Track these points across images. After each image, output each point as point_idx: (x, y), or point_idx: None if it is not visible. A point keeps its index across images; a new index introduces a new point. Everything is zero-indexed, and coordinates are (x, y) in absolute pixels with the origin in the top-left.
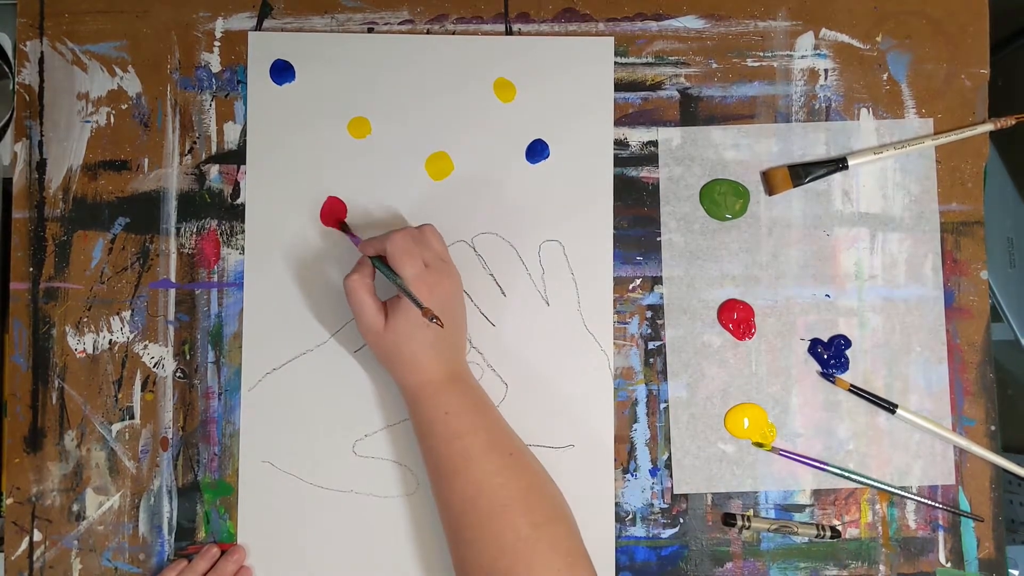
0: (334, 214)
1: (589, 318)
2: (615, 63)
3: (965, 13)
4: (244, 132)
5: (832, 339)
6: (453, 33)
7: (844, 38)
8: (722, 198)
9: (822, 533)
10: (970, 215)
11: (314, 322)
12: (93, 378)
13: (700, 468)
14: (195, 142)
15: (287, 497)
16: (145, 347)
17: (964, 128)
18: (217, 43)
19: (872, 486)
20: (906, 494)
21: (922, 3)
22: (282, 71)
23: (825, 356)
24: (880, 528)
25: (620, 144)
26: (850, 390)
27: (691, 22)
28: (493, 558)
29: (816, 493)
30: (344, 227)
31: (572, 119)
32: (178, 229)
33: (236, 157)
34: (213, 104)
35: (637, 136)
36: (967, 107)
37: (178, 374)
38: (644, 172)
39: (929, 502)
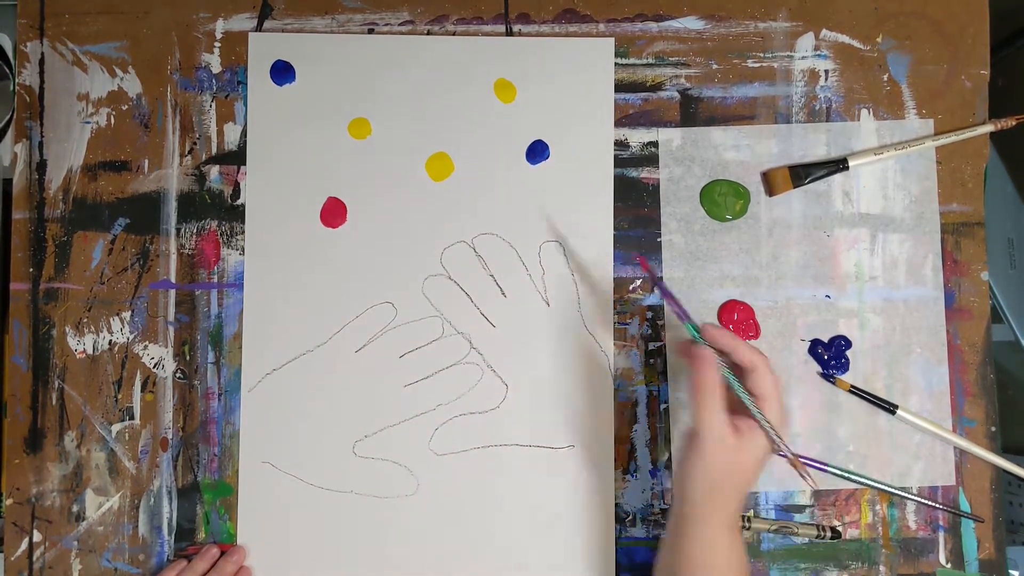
0: (336, 215)
1: (589, 319)
2: (615, 64)
3: (965, 14)
4: (244, 133)
5: (832, 340)
6: (453, 34)
7: (844, 39)
8: (722, 199)
9: (822, 534)
10: (970, 216)
11: (314, 323)
12: (93, 379)
13: None
14: (195, 143)
15: (287, 498)
16: (145, 348)
17: (964, 129)
18: (217, 44)
19: (872, 487)
20: (906, 495)
21: (922, 4)
22: (282, 72)
23: (825, 357)
24: (880, 529)
25: (620, 145)
26: (850, 391)
27: (691, 23)
28: None
29: (816, 494)
30: (662, 287)
31: (572, 120)
32: (178, 230)
33: (236, 158)
34: (213, 105)
35: (637, 137)
36: (967, 108)
37: (178, 375)
38: (644, 173)
39: (929, 503)
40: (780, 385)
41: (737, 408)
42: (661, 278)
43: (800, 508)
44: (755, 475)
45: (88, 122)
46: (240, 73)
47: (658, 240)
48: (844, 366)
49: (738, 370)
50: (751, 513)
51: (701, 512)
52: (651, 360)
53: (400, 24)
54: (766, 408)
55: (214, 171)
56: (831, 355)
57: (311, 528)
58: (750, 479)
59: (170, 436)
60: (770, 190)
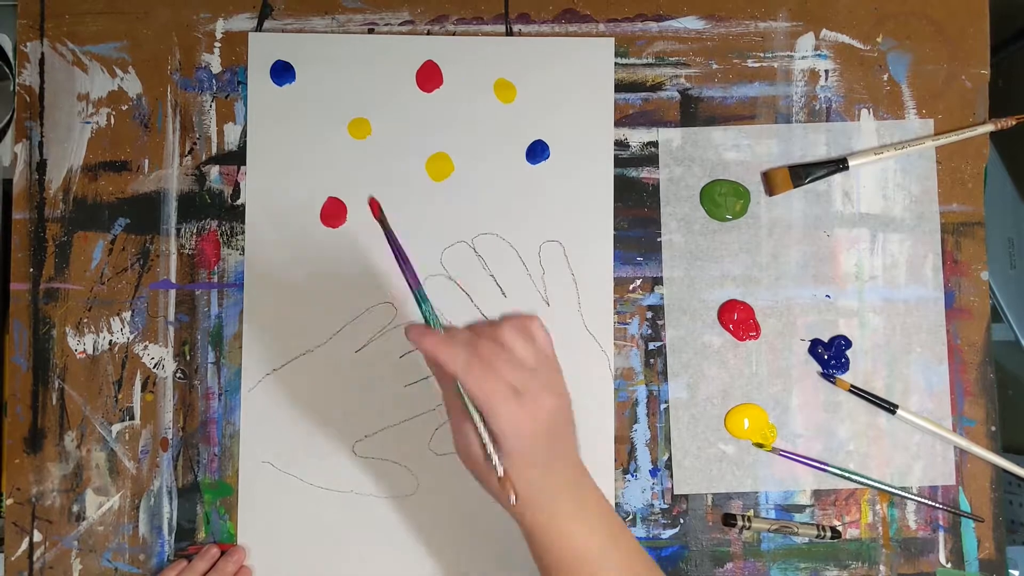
0: (335, 215)
1: (589, 319)
2: (615, 64)
3: (965, 14)
4: (244, 133)
5: (832, 340)
6: (454, 34)
7: (844, 39)
8: (722, 199)
9: (822, 533)
10: (970, 216)
11: (314, 322)
12: (93, 379)
13: (700, 469)
14: (195, 143)
15: (287, 498)
16: (145, 348)
17: (964, 129)
18: (217, 44)
19: (872, 487)
20: (906, 494)
21: (922, 4)
22: (282, 72)
23: (825, 356)
24: (880, 528)
25: (620, 145)
26: (850, 391)
27: (691, 23)
28: None
29: (816, 493)
30: (392, 239)
31: (572, 120)
32: (178, 230)
33: (236, 158)
34: (213, 105)
35: (637, 137)
36: (967, 108)
37: (178, 375)
38: (644, 173)
39: (929, 502)
40: (485, 376)
41: None
42: (385, 224)
43: (800, 508)
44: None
45: (88, 122)
46: (240, 73)
47: (658, 240)
48: (844, 366)
49: None
50: (751, 513)
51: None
52: (651, 360)
53: (400, 24)
54: (488, 419)
55: (214, 171)
56: (831, 355)
57: (311, 528)
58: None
59: (170, 436)
60: (770, 190)
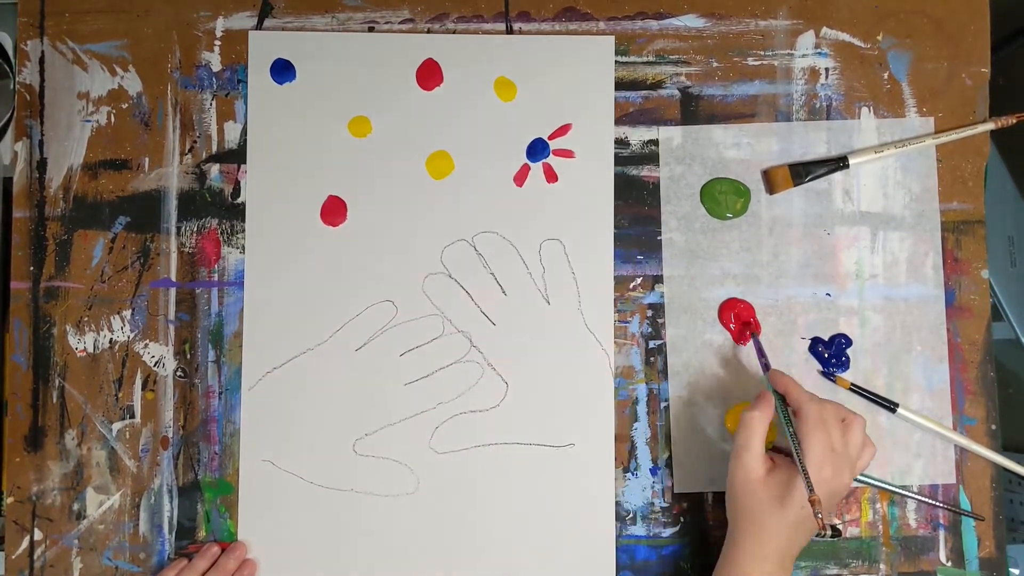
0: (336, 213)
1: (590, 317)
2: (616, 62)
3: (966, 12)
4: (245, 131)
5: (833, 338)
6: (454, 32)
7: (845, 37)
8: (723, 197)
9: (823, 532)
10: (971, 214)
11: (314, 321)
12: (94, 377)
13: (701, 467)
14: (195, 141)
15: (287, 496)
16: (146, 346)
17: (965, 127)
18: (217, 42)
19: (873, 485)
20: (907, 493)
21: (923, 2)
22: (283, 70)
23: (826, 355)
24: (881, 527)
25: (621, 143)
26: (851, 389)
27: (692, 21)
28: None
29: None
30: (756, 340)
31: (573, 118)
32: (179, 228)
33: (237, 156)
34: (214, 103)
35: (638, 135)
36: (968, 106)
37: (179, 373)
38: (645, 171)
39: (930, 501)
40: (831, 429)
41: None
42: (755, 334)
43: None
44: (783, 510)
45: (88, 121)
46: (240, 71)
47: (658, 238)
48: (844, 364)
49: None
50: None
51: (736, 533)
52: (651, 358)
53: (400, 22)
54: (804, 449)
55: (214, 169)
56: (831, 353)
57: (311, 526)
58: (778, 516)
59: (171, 434)
60: (770, 188)
